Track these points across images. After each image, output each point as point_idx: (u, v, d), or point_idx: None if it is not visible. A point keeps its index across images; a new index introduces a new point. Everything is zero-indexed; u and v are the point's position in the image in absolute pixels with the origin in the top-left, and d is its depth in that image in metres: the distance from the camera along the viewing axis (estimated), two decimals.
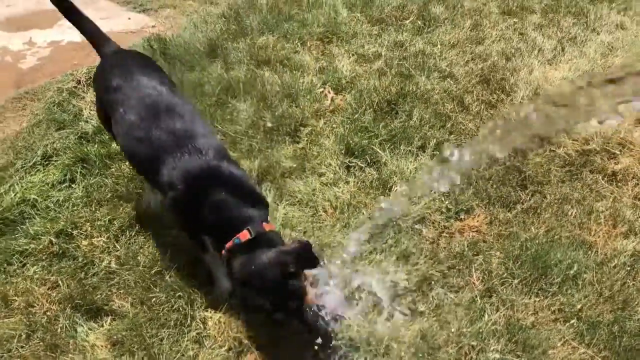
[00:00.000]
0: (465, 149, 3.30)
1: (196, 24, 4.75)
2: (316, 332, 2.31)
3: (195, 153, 2.43)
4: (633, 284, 2.76)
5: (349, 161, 3.41)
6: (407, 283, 2.72)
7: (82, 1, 5.18)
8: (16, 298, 2.67)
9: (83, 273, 2.77)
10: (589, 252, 2.90)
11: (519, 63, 4.29)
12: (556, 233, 2.98)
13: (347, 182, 3.31)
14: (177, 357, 2.44)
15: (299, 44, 4.44)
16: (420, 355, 2.45)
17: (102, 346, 2.49)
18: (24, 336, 2.50)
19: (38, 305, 2.64)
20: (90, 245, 2.90)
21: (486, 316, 2.59)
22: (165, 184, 2.43)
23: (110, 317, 2.61)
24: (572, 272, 2.77)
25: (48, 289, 2.72)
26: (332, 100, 3.91)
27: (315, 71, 4.15)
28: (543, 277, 2.76)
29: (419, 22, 4.72)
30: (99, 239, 2.93)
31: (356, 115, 3.70)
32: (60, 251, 2.86)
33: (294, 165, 3.37)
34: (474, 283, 2.75)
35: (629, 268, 2.82)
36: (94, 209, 3.10)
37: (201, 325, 2.56)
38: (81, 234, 2.95)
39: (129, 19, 5.06)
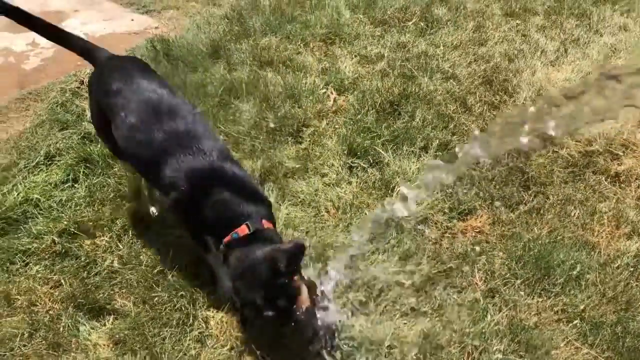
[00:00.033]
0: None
1: (199, 25, 4.75)
2: (308, 333, 2.29)
3: (197, 153, 2.44)
4: (636, 285, 2.75)
5: (351, 162, 3.41)
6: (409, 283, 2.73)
7: (86, 2, 5.27)
8: (19, 297, 2.67)
9: (85, 272, 2.77)
10: (592, 252, 2.89)
11: (521, 64, 4.29)
12: (559, 234, 2.98)
13: (350, 183, 3.31)
14: (179, 356, 2.44)
15: (301, 45, 4.44)
16: (423, 355, 2.44)
17: (104, 345, 2.49)
18: (26, 335, 2.50)
19: (40, 304, 2.64)
20: (92, 245, 2.90)
21: (489, 316, 2.58)
22: (167, 184, 2.43)
23: (112, 316, 2.60)
24: (575, 272, 2.77)
25: (50, 288, 2.71)
26: (334, 101, 3.91)
27: (317, 72, 4.16)
28: (546, 277, 2.75)
29: (422, 24, 4.72)
30: (102, 238, 2.93)
31: (359, 116, 3.70)
32: (63, 250, 2.86)
33: (297, 166, 3.37)
34: (476, 283, 2.75)
35: (632, 269, 2.82)
36: (96, 209, 3.11)
37: (203, 325, 2.56)
38: (83, 233, 2.96)
39: (132, 20, 5.07)
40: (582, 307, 2.64)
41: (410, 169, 3.36)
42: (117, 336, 2.51)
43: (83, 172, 3.26)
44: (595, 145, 3.52)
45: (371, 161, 3.41)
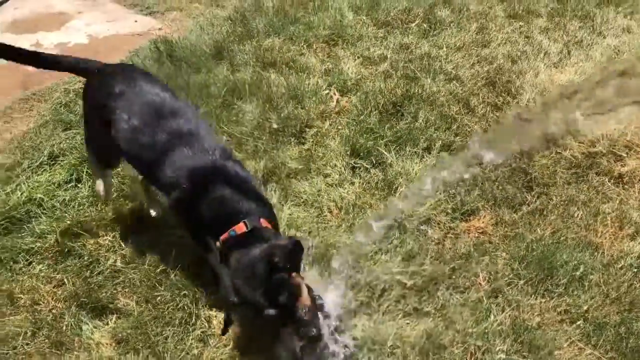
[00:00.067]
0: None
1: (202, 27, 4.77)
2: (310, 332, 2.27)
3: (199, 153, 2.45)
4: None
5: (354, 162, 3.42)
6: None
7: (89, 4, 5.29)
8: (22, 296, 2.68)
9: (88, 271, 2.77)
10: (595, 253, 2.89)
11: (524, 66, 4.29)
12: (562, 234, 2.97)
13: (353, 183, 3.31)
14: (182, 355, 2.44)
15: (304, 46, 4.45)
16: (426, 355, 2.44)
17: (107, 344, 2.49)
18: (29, 333, 2.51)
19: (44, 303, 2.65)
20: (95, 244, 2.91)
21: (492, 316, 2.58)
22: (168, 184, 2.44)
23: (115, 315, 2.61)
24: (578, 273, 2.76)
25: (54, 287, 2.72)
26: (337, 101, 3.91)
27: (320, 73, 4.16)
28: (549, 278, 2.75)
29: (425, 25, 4.73)
30: (105, 238, 2.94)
31: (362, 117, 3.70)
32: (66, 250, 2.86)
33: (300, 166, 3.38)
34: (479, 283, 2.75)
35: (635, 270, 2.81)
36: (99, 209, 3.11)
37: (206, 324, 2.56)
38: (86, 232, 2.96)
39: (136, 21, 5.08)
40: (585, 307, 2.63)
41: (413, 169, 3.36)
42: (120, 335, 2.51)
43: (86, 172, 3.26)
44: (598, 147, 3.51)
45: (374, 162, 3.41)
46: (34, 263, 2.82)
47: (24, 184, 3.23)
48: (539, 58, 4.40)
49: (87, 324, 2.56)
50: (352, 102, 3.89)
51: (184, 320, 2.57)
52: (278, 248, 2.21)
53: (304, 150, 3.53)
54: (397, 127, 3.62)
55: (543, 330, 2.54)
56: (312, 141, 3.58)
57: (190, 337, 2.51)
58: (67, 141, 3.49)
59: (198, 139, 2.50)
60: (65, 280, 2.74)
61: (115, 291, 2.70)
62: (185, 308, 2.61)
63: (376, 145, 3.47)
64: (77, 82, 4.09)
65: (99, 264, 2.81)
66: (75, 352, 2.45)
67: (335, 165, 3.40)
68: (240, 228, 2.30)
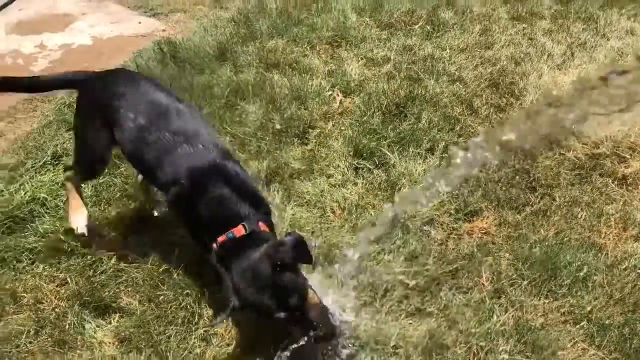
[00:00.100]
0: None
1: (206, 28, 4.78)
2: (323, 330, 2.26)
3: (199, 152, 2.46)
4: None
5: (357, 163, 3.41)
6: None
7: (93, 5, 5.31)
8: (25, 295, 2.68)
9: (91, 270, 2.77)
10: (599, 254, 2.87)
11: (528, 68, 4.29)
12: (565, 235, 2.96)
13: (355, 184, 3.31)
14: (185, 354, 2.44)
15: (308, 47, 4.46)
16: (429, 355, 2.43)
17: (109, 343, 2.49)
18: (32, 332, 2.51)
19: (47, 301, 2.65)
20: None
21: (495, 317, 2.57)
22: (167, 183, 2.45)
23: (118, 314, 2.61)
24: (581, 274, 2.75)
25: (57, 286, 2.72)
26: (340, 102, 3.92)
27: (324, 74, 4.17)
28: (552, 278, 2.74)
29: (428, 27, 4.73)
30: (108, 237, 2.94)
31: (365, 118, 3.70)
32: (69, 249, 2.87)
33: (303, 167, 3.38)
34: (482, 284, 2.74)
35: (639, 271, 2.80)
36: (102, 208, 3.12)
37: (208, 323, 2.55)
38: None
39: (140, 23, 5.10)
40: (589, 308, 2.62)
41: (416, 170, 3.35)
42: (123, 334, 2.51)
43: None
44: (602, 148, 3.51)
45: (377, 162, 3.41)
46: (37, 262, 2.82)
47: (27, 183, 3.24)
48: (543, 60, 4.40)
49: (90, 322, 2.56)
50: (355, 103, 3.89)
51: (186, 320, 2.57)
52: (280, 246, 2.19)
53: (307, 150, 3.53)
54: (400, 128, 3.62)
55: (546, 331, 2.53)
56: (315, 142, 3.59)
57: (193, 336, 2.50)
58: (71, 141, 3.49)
59: (199, 138, 2.51)
60: (68, 279, 2.74)
61: (118, 290, 2.70)
62: (188, 307, 2.60)
63: (379, 146, 3.47)
64: None
65: (102, 263, 2.81)
66: (78, 351, 2.45)
67: (338, 166, 3.40)
68: (239, 231, 2.29)
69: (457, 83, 4.07)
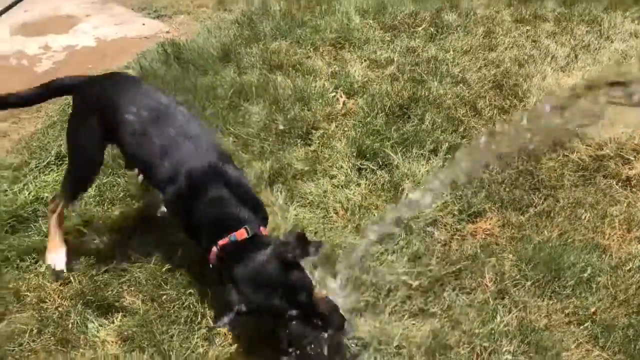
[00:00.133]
0: None
1: (210, 30, 4.79)
2: (334, 323, 2.26)
3: (199, 153, 2.47)
4: None
5: (360, 164, 3.41)
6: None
7: (97, 7, 5.33)
8: (28, 293, 2.68)
9: (95, 270, 2.77)
10: (603, 255, 2.87)
11: (531, 70, 4.29)
12: (569, 236, 2.95)
13: (359, 185, 3.31)
14: (187, 353, 2.43)
15: (311, 49, 4.46)
16: (432, 355, 2.42)
17: (112, 342, 2.49)
18: (35, 331, 2.50)
19: (50, 300, 2.64)
20: (102, 243, 2.91)
21: (498, 317, 2.56)
22: (167, 182, 2.45)
23: (120, 313, 2.60)
24: (585, 275, 2.74)
25: (60, 285, 2.72)
26: (344, 104, 3.92)
27: (327, 76, 4.17)
28: (556, 279, 2.73)
29: (432, 29, 4.73)
30: (111, 236, 2.94)
31: (368, 119, 3.70)
32: (73, 248, 2.87)
33: (306, 168, 3.38)
34: (486, 285, 2.73)
35: None
36: (106, 208, 3.12)
37: (211, 323, 2.55)
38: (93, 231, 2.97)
39: (144, 24, 5.11)
40: (593, 309, 2.61)
41: (419, 171, 3.35)
42: (125, 333, 2.50)
43: None
44: (606, 150, 3.50)
45: (380, 163, 3.41)
46: (40, 261, 2.81)
47: (31, 183, 3.24)
48: (546, 62, 4.39)
49: (93, 322, 2.55)
50: (358, 104, 3.89)
51: (189, 319, 2.56)
52: (285, 246, 2.21)
53: (310, 151, 3.53)
54: (404, 129, 3.62)
55: (550, 332, 2.52)
56: (319, 143, 3.59)
57: (196, 336, 2.50)
58: None
59: (198, 140, 2.52)
60: (71, 278, 2.73)
61: (121, 289, 2.69)
62: (191, 307, 2.60)
63: (382, 147, 3.47)
64: None
65: (105, 262, 2.81)
66: (81, 350, 2.45)
67: (342, 167, 3.40)
68: (242, 234, 2.29)
69: (461, 85, 4.07)
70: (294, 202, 3.18)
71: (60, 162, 3.38)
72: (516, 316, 2.58)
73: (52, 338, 2.48)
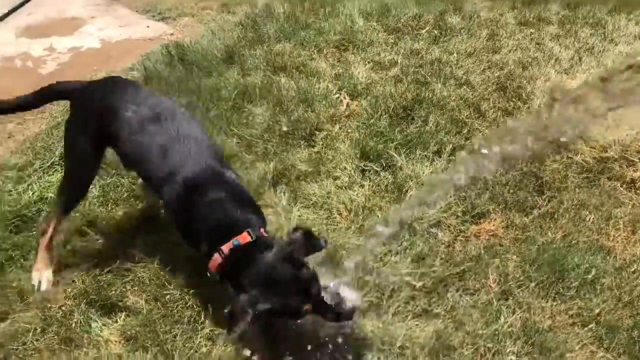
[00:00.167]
0: None
1: (214, 32, 4.80)
2: (345, 315, 2.26)
3: (197, 157, 2.45)
4: None
5: (364, 165, 3.42)
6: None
7: (102, 9, 5.35)
8: (32, 293, 2.69)
9: (98, 270, 2.77)
10: (608, 257, 2.86)
11: (535, 72, 4.29)
12: (573, 238, 2.95)
13: (362, 186, 3.31)
14: (190, 353, 2.43)
15: (315, 51, 4.47)
16: (435, 356, 2.42)
17: (115, 341, 2.49)
18: (39, 330, 2.51)
19: (53, 300, 2.65)
20: (106, 243, 2.92)
21: (502, 318, 2.56)
22: (166, 185, 2.43)
23: (124, 313, 2.60)
24: (590, 276, 2.74)
25: (63, 284, 2.72)
26: (347, 105, 3.92)
27: (331, 77, 4.18)
28: (560, 281, 2.72)
29: (435, 32, 4.74)
30: (115, 236, 2.95)
31: (372, 120, 3.71)
32: (77, 248, 2.88)
33: (309, 169, 3.38)
34: (490, 286, 2.73)
35: None
36: (109, 208, 3.13)
37: (214, 323, 2.55)
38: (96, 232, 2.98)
39: (148, 26, 5.12)
40: (597, 311, 2.60)
41: (423, 172, 3.35)
42: (129, 332, 2.50)
43: None
44: (610, 152, 3.50)
45: (384, 165, 3.41)
46: None
47: (35, 183, 3.25)
48: (550, 64, 4.39)
49: (97, 321, 2.56)
50: (362, 106, 3.90)
51: (192, 319, 2.56)
52: (292, 244, 2.21)
53: (313, 152, 3.53)
54: (408, 130, 3.62)
55: (554, 333, 2.52)
56: (322, 144, 3.59)
57: (199, 336, 2.50)
58: None
59: (196, 144, 2.49)
60: (75, 278, 2.74)
61: (124, 289, 2.70)
62: (194, 306, 2.60)
63: (386, 148, 3.47)
64: None
65: (109, 262, 2.81)
66: (85, 349, 2.45)
67: (345, 168, 3.40)
68: (245, 238, 2.26)
69: (465, 87, 4.07)
70: (297, 203, 3.18)
71: None
72: (520, 317, 2.57)
73: (55, 337, 2.49)
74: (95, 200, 3.16)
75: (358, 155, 3.46)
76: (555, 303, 2.65)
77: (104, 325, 2.55)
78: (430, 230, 3.02)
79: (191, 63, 4.32)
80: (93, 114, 2.64)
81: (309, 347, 2.37)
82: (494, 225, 3.05)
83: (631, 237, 2.97)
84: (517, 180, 3.29)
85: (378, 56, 4.42)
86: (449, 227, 3.06)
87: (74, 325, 2.53)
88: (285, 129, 3.65)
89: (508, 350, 2.44)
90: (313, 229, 2.44)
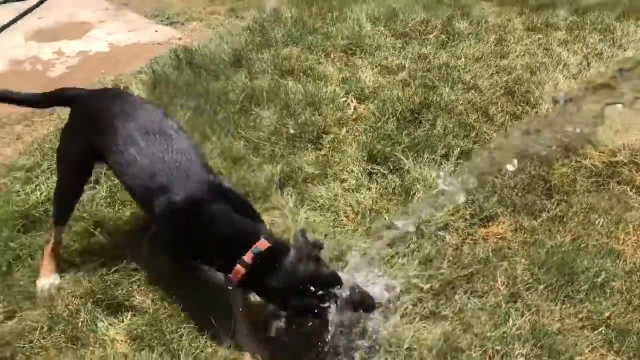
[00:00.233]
0: None
1: (222, 36, 4.83)
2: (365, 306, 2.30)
3: (195, 172, 2.40)
4: None
5: (371, 168, 3.40)
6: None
7: (111, 14, 5.38)
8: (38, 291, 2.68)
9: (105, 269, 2.77)
10: (617, 260, 2.83)
11: (543, 77, 4.28)
12: (583, 241, 2.93)
13: (369, 189, 3.30)
14: (196, 352, 2.41)
15: (322, 55, 4.48)
16: (443, 358, 2.40)
17: (122, 340, 2.47)
18: (45, 328, 2.49)
19: (60, 299, 2.64)
20: (112, 243, 2.91)
21: (511, 321, 2.53)
22: (165, 206, 2.33)
23: (130, 312, 2.59)
24: (599, 280, 2.71)
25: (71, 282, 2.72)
26: (354, 109, 3.92)
27: (338, 81, 4.18)
28: (569, 284, 2.69)
29: (443, 37, 4.75)
30: (122, 236, 2.94)
31: (379, 124, 3.70)
32: (84, 248, 2.88)
33: (316, 171, 3.37)
34: (498, 288, 2.70)
35: None
36: (117, 209, 3.13)
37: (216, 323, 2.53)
38: (104, 232, 2.98)
39: (156, 31, 5.16)
40: (607, 314, 2.57)
41: (431, 176, 3.33)
42: (135, 332, 2.49)
43: (104, 173, 3.28)
44: (619, 156, 3.48)
45: (391, 168, 3.40)
46: None
47: (43, 184, 3.26)
48: (558, 69, 4.39)
49: (103, 320, 2.54)
50: (369, 109, 3.90)
51: (198, 319, 2.54)
52: (307, 245, 2.25)
53: (320, 155, 3.53)
54: (415, 133, 3.61)
55: (564, 336, 2.49)
56: (329, 147, 3.58)
57: (205, 335, 2.48)
58: None
59: (191, 159, 2.43)
60: (82, 277, 2.73)
61: (131, 289, 2.69)
62: (201, 306, 2.58)
63: (393, 151, 3.46)
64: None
65: (115, 262, 2.81)
66: (91, 348, 2.44)
67: (352, 171, 3.39)
68: (264, 244, 2.24)
69: (473, 91, 4.07)
70: (304, 205, 3.17)
71: None
72: (529, 320, 2.55)
73: (62, 336, 2.48)
74: (102, 201, 3.16)
75: (365, 158, 3.45)
76: (564, 306, 2.62)
77: (110, 324, 2.54)
78: (438, 232, 3.01)
79: (199, 67, 4.34)
80: (86, 124, 2.61)
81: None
82: (502, 228, 3.03)
83: None
84: (526, 184, 3.27)
85: (385, 60, 4.42)
86: (456, 230, 3.04)
87: (80, 324, 2.52)
88: (292, 131, 3.65)
89: (517, 352, 2.41)
90: (317, 235, 2.47)
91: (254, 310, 2.52)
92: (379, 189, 3.29)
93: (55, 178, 3.25)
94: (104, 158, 2.54)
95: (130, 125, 2.47)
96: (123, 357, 2.40)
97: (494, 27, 4.91)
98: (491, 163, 3.32)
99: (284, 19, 4.96)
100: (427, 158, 3.45)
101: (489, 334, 2.48)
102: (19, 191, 3.22)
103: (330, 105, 3.89)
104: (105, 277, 2.73)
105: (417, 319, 2.57)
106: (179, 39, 5.03)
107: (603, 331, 2.51)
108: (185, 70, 4.29)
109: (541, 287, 2.69)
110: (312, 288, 2.17)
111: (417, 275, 2.74)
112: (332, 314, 2.21)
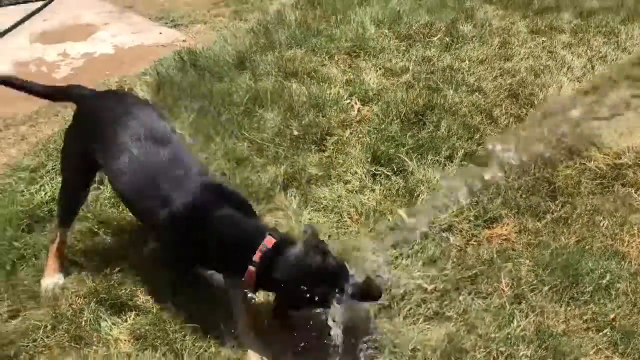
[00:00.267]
0: None
1: (226, 38, 4.84)
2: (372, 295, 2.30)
3: (195, 178, 2.39)
4: None
5: (375, 169, 3.40)
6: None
7: (115, 16, 5.40)
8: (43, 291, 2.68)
9: (109, 269, 2.77)
10: (622, 262, 2.82)
11: (548, 79, 4.28)
12: (587, 243, 2.91)
13: (373, 190, 3.29)
14: (200, 352, 2.41)
15: (326, 57, 4.49)
16: (447, 358, 2.39)
17: (125, 340, 2.47)
18: (49, 327, 2.49)
19: (64, 298, 2.64)
20: (116, 243, 2.92)
21: (515, 322, 2.52)
22: (165, 213, 2.32)
23: (134, 312, 2.59)
24: (604, 281, 2.70)
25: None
26: (358, 110, 3.92)
27: (342, 83, 4.19)
28: (574, 285, 2.68)
29: (447, 39, 4.75)
30: (125, 237, 2.95)
31: (383, 125, 3.70)
32: (88, 247, 2.88)
33: (320, 173, 3.37)
34: (502, 289, 2.69)
35: None
36: (120, 210, 3.13)
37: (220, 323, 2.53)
38: (107, 232, 2.98)
39: (160, 33, 5.17)
40: (612, 316, 2.56)
41: (434, 177, 3.33)
42: (138, 331, 2.48)
43: None
44: (624, 159, 3.47)
45: (395, 169, 3.39)
46: None
47: (47, 184, 3.26)
48: (562, 72, 4.39)
49: (106, 320, 2.54)
50: (373, 111, 3.90)
51: (202, 319, 2.54)
52: (312, 237, 2.28)
53: (324, 157, 3.53)
54: (419, 135, 3.61)
55: (568, 337, 2.47)
56: (333, 148, 3.59)
57: (208, 335, 2.48)
58: None
59: (190, 164, 2.43)
60: (85, 277, 2.73)
61: (134, 289, 2.68)
62: (204, 306, 2.58)
63: (397, 153, 3.46)
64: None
65: (119, 262, 2.81)
66: (94, 347, 2.43)
67: (356, 172, 3.39)
68: (270, 241, 2.26)
69: (477, 93, 4.07)
70: (308, 206, 3.18)
71: None
72: (533, 321, 2.53)
73: (65, 335, 2.47)
74: (106, 201, 3.16)
75: (369, 160, 3.45)
76: (569, 307, 2.61)
77: (113, 324, 2.54)
78: (442, 234, 3.00)
79: (203, 68, 4.35)
80: (84, 129, 2.60)
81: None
82: (506, 229, 3.02)
83: None
84: (530, 186, 3.26)
85: (389, 62, 4.43)
86: (461, 231, 3.03)
87: (83, 323, 2.52)
88: (296, 133, 3.65)
89: (521, 354, 2.40)
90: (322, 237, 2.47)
91: (255, 309, 2.52)
92: (383, 191, 3.29)
93: (59, 178, 3.29)
94: (99, 165, 2.53)
95: (123, 132, 2.43)
96: (126, 357, 2.40)
97: (497, 30, 4.92)
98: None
99: (287, 22, 4.97)
100: (431, 160, 3.45)
101: (493, 335, 2.47)
102: (24, 191, 3.22)
103: (334, 107, 3.89)
104: (109, 277, 2.73)
105: (421, 319, 2.57)
106: (183, 41, 5.04)
107: (608, 333, 2.50)
108: (190, 72, 4.30)
109: (546, 288, 2.68)
110: (320, 279, 2.21)
111: (421, 276, 2.74)
112: (339, 308, 2.22)
